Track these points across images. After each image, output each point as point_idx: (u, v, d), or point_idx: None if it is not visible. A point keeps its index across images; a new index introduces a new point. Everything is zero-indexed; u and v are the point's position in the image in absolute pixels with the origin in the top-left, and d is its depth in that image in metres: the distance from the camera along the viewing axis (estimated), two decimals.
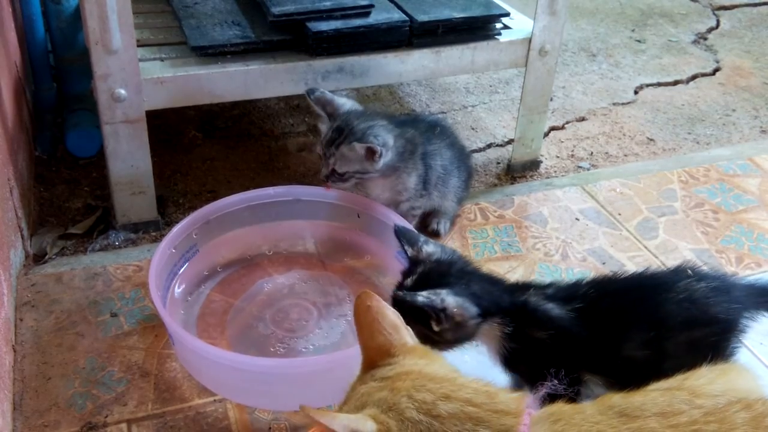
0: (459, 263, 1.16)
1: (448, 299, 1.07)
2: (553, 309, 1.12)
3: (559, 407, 0.80)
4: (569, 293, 1.15)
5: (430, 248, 1.17)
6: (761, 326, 1.45)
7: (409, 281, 1.14)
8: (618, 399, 0.81)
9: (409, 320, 1.09)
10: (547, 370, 1.12)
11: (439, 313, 1.06)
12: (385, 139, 1.47)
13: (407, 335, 0.89)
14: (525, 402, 0.80)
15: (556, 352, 1.11)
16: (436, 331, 1.07)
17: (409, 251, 1.17)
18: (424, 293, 1.07)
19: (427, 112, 2.20)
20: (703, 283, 1.15)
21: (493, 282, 1.17)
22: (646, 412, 0.78)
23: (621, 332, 1.12)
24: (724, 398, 0.80)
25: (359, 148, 1.44)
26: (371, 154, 1.44)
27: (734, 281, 1.20)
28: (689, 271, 1.19)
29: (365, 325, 0.89)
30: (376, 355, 0.88)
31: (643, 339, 1.11)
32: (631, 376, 1.11)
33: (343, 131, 1.46)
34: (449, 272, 1.13)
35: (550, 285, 1.18)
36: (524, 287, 1.17)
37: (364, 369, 0.89)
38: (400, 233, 1.21)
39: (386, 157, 1.48)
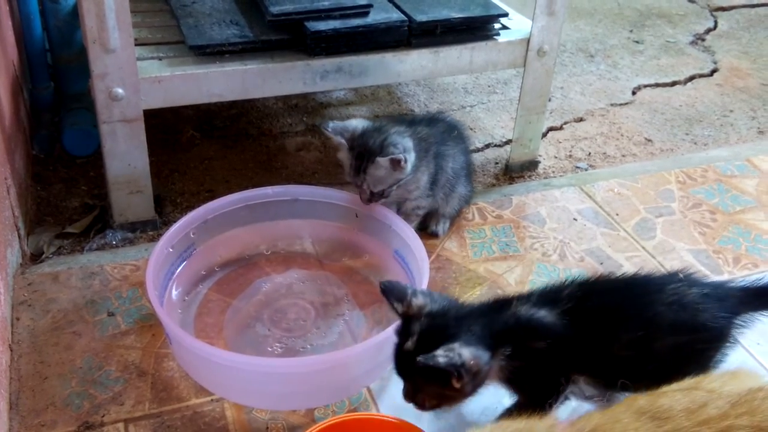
0: (452, 309, 1.12)
1: (464, 352, 1.03)
2: (546, 316, 1.10)
3: (595, 422, 0.77)
4: (553, 296, 1.14)
5: (419, 300, 1.12)
6: (759, 326, 1.46)
7: (409, 343, 1.08)
8: (644, 402, 0.80)
9: (421, 383, 1.07)
10: (545, 377, 1.12)
11: (460, 369, 1.02)
12: (404, 144, 1.48)
13: None
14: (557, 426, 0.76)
15: (552, 358, 1.10)
16: (457, 387, 1.04)
17: (399, 308, 1.12)
18: (441, 352, 1.02)
19: (425, 112, 2.20)
20: (695, 288, 1.14)
21: (483, 312, 1.14)
22: (674, 411, 0.77)
23: (609, 331, 1.11)
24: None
25: (383, 162, 1.45)
26: (396, 163, 1.45)
27: (729, 288, 1.19)
28: (680, 275, 1.18)
29: None
30: None
31: (630, 339, 1.10)
32: (616, 375, 1.12)
33: (364, 154, 1.47)
34: (447, 324, 1.09)
35: (530, 294, 1.16)
36: (507, 302, 1.15)
37: None
38: (387, 290, 1.15)
39: (411, 160, 1.49)
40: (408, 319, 1.11)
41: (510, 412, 1.17)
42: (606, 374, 1.13)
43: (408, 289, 1.14)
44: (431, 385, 1.07)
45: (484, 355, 1.05)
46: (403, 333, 1.11)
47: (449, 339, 1.05)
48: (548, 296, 1.14)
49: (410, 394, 1.10)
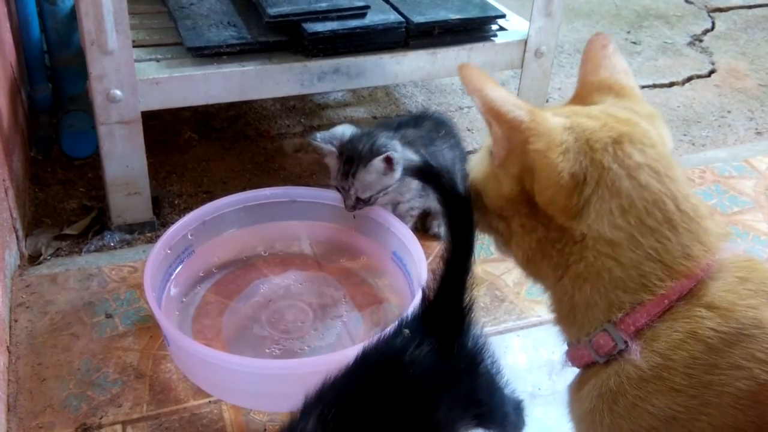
0: None
1: None
2: None
3: (754, 264, 0.72)
4: None
5: None
6: None
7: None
8: None
9: None
10: None
11: None
12: (394, 146, 1.47)
13: (637, 87, 0.82)
14: (725, 239, 0.72)
15: None
16: None
17: None
18: None
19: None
20: None
21: None
22: None
23: None
24: None
25: (377, 162, 1.44)
26: (389, 163, 1.44)
27: None
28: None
29: (591, 59, 0.83)
30: (591, 91, 0.81)
31: None
32: None
33: (353, 159, 1.46)
34: None
35: None
36: None
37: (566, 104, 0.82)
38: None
39: (401, 163, 1.47)
40: None
41: None
42: None
43: None
44: None
45: None
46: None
47: None
48: None
49: None
